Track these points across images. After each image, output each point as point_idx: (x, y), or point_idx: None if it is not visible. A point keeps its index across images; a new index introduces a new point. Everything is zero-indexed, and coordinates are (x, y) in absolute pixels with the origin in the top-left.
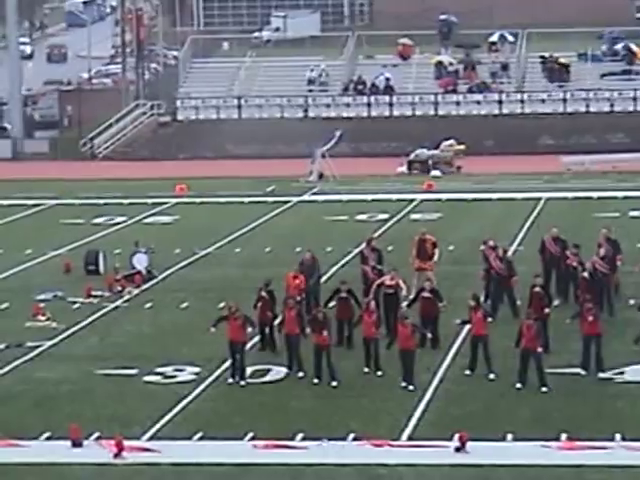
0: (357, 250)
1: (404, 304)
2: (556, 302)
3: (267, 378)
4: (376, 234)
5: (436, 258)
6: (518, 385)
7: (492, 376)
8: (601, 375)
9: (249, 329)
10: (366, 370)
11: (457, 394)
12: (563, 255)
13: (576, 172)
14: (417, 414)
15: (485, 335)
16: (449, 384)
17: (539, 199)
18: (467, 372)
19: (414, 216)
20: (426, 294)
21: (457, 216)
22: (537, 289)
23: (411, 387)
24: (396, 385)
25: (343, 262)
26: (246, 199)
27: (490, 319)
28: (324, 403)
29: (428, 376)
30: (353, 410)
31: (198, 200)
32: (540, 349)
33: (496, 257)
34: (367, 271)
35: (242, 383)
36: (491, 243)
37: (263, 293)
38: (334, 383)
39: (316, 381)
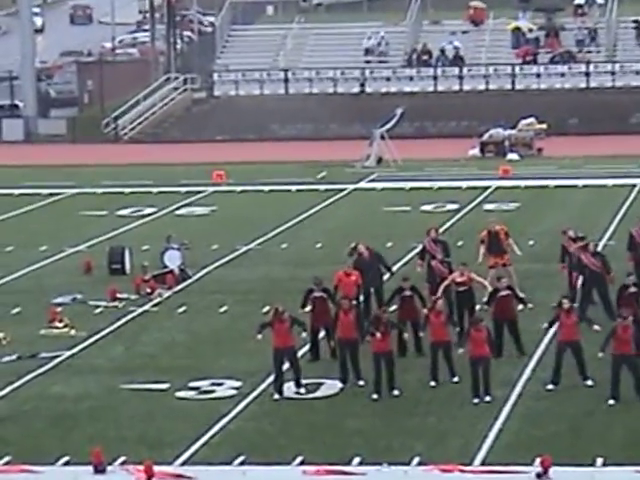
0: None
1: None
2: None
3: (318, 393)
4: (442, 227)
5: (516, 249)
6: (610, 401)
7: (590, 382)
8: None
9: (303, 334)
10: (433, 384)
11: (538, 412)
12: None
13: None
14: (492, 435)
15: (577, 341)
16: (529, 400)
17: (633, 186)
18: (550, 386)
19: (488, 206)
20: (503, 292)
21: (538, 206)
22: (632, 289)
23: (488, 397)
24: (467, 401)
25: (406, 259)
26: (294, 187)
27: (597, 327)
28: (384, 422)
29: (504, 391)
30: (418, 430)
31: (238, 188)
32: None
33: (583, 251)
34: (434, 266)
35: (302, 390)
36: (571, 233)
37: (317, 293)
38: (395, 392)
39: (375, 397)
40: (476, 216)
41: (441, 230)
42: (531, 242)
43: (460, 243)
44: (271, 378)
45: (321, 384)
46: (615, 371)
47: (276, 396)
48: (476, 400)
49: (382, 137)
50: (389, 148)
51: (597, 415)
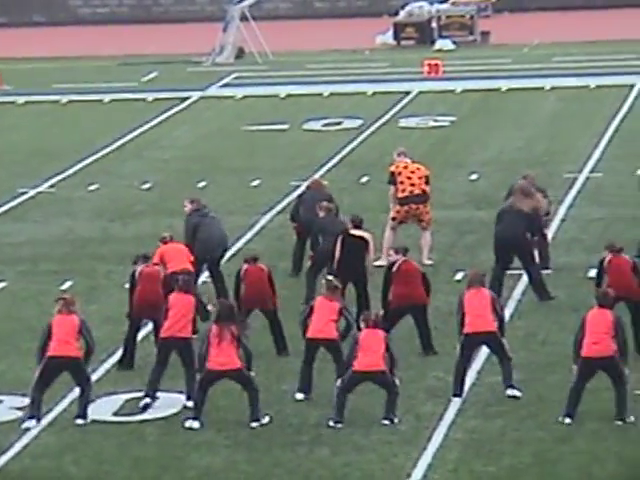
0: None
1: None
2: None
3: (150, 414)
4: (338, 155)
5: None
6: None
7: (511, 392)
8: None
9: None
10: (299, 397)
11: (488, 436)
12: None
13: None
14: (418, 473)
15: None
16: (474, 418)
17: (631, 86)
18: (515, 392)
19: (406, 122)
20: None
21: (483, 120)
22: None
23: (389, 420)
24: (376, 422)
25: (282, 206)
26: (106, 96)
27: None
28: (249, 456)
29: (436, 405)
30: (301, 468)
31: (20, 99)
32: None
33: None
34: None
35: (79, 422)
36: (530, 177)
37: (143, 265)
38: (265, 420)
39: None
40: (389, 137)
41: (337, 159)
42: (473, 176)
43: (364, 180)
44: (74, 393)
45: (154, 399)
46: (583, 377)
47: (79, 421)
48: (386, 421)
49: (243, 17)
50: (254, 34)
51: (576, 441)
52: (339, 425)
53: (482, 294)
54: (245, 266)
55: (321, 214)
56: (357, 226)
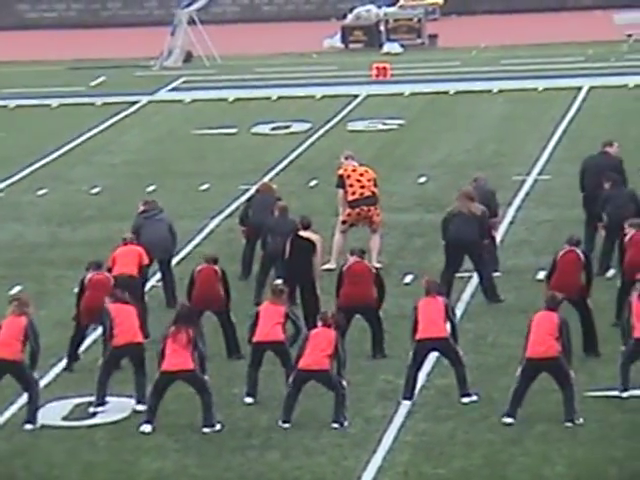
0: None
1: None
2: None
3: (100, 419)
4: (287, 159)
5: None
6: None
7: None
8: None
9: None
10: (248, 400)
11: (438, 438)
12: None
13: None
14: (368, 476)
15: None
16: (424, 421)
17: (578, 89)
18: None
19: (354, 125)
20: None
21: (431, 123)
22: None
23: (339, 423)
24: (326, 425)
25: (231, 209)
26: (54, 101)
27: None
28: (200, 460)
29: (385, 408)
30: (252, 472)
31: None
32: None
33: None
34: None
35: (28, 427)
36: (481, 180)
37: (93, 273)
38: (217, 427)
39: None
40: (337, 140)
41: (285, 163)
42: (422, 179)
43: (313, 183)
44: (24, 398)
45: (102, 403)
46: (527, 378)
47: (28, 426)
48: (336, 425)
49: (191, 21)
50: (202, 38)
51: (526, 443)
52: (286, 425)
53: (436, 301)
54: (201, 266)
55: (275, 213)
56: (305, 227)
